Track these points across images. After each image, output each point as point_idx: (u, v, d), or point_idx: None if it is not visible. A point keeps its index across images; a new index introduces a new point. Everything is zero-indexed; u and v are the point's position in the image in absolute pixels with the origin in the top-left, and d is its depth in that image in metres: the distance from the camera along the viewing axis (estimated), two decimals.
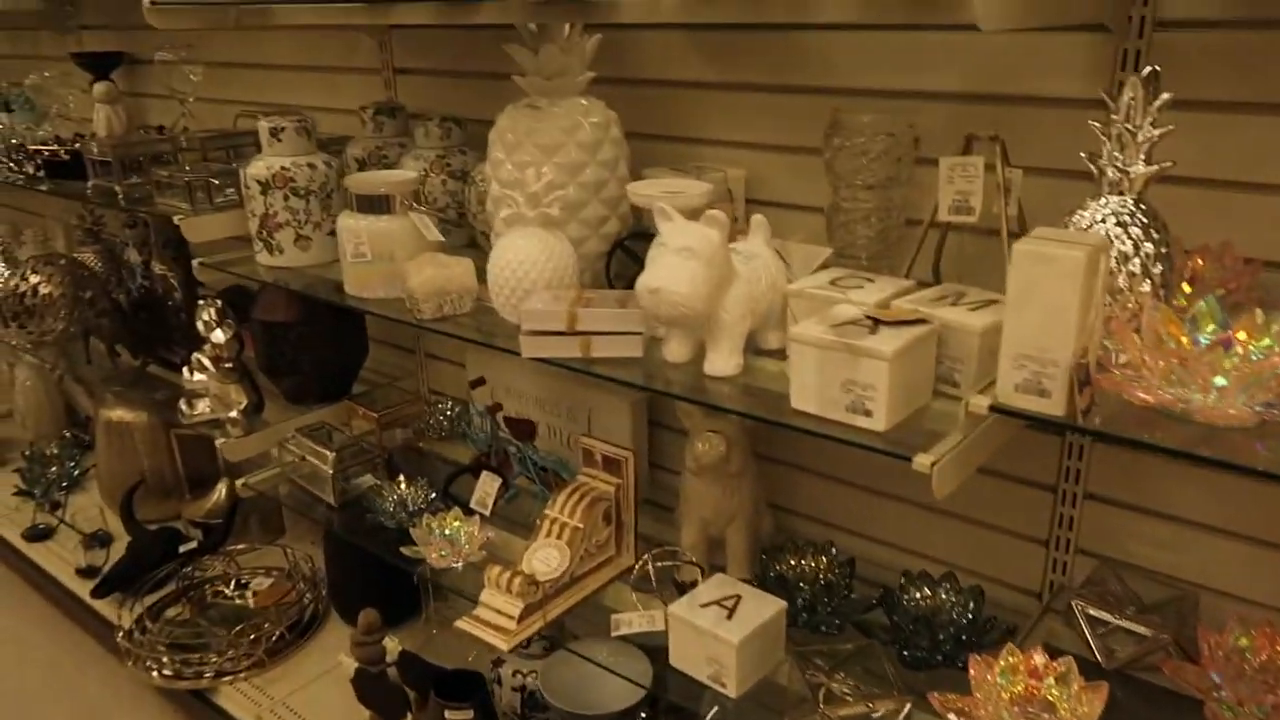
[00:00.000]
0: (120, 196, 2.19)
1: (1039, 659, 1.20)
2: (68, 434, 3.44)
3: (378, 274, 1.66)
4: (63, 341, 2.63)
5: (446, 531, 1.78)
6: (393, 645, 2.14)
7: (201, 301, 2.20)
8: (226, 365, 2.09)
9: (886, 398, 1.11)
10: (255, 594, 2.57)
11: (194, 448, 2.94)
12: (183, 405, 2.17)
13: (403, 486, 1.93)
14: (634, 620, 1.55)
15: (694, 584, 1.56)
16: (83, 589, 2.66)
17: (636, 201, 1.46)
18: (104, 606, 2.58)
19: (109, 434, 2.89)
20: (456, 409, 2.21)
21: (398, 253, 1.65)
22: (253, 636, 2.32)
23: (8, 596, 2.97)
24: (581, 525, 1.62)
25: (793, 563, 1.60)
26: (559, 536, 1.63)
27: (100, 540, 2.82)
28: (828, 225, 1.49)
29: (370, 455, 1.99)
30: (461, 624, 1.57)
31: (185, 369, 2.30)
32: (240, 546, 2.70)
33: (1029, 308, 0.99)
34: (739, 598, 1.45)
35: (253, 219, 1.87)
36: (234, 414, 2.07)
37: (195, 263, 1.96)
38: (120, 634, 2.40)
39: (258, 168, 1.83)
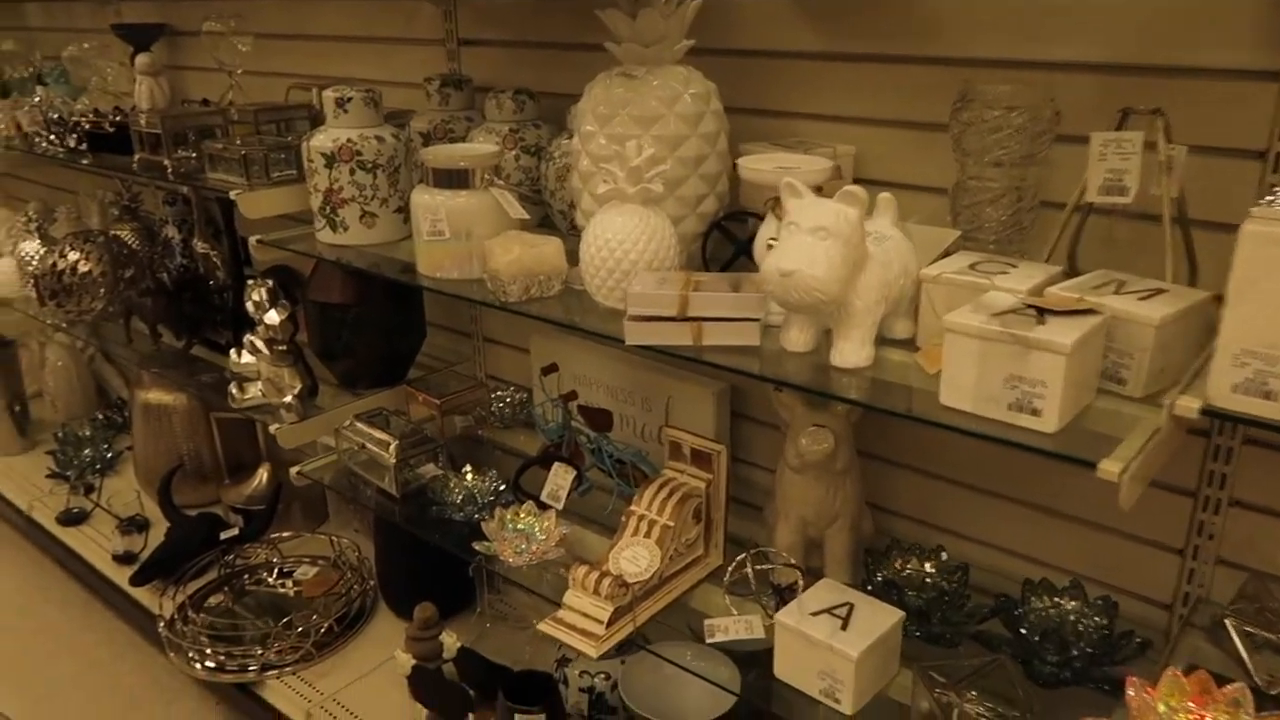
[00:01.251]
0: (169, 171, 2.06)
1: (1202, 682, 1.08)
2: (100, 415, 3.33)
3: (455, 253, 1.53)
4: (101, 321, 2.50)
5: (520, 526, 1.66)
6: (450, 641, 2.02)
7: (251, 281, 2.07)
8: (280, 348, 1.96)
9: (1059, 395, 0.98)
10: (300, 583, 2.46)
11: (234, 431, 2.82)
12: (233, 390, 2.04)
13: (470, 477, 1.81)
14: (730, 627, 1.43)
15: (792, 588, 1.44)
16: (120, 576, 2.54)
17: (749, 177, 1.32)
18: (143, 594, 2.46)
19: (146, 417, 2.77)
20: (519, 396, 2.09)
21: (476, 230, 1.52)
22: (300, 629, 2.20)
23: (42, 582, 2.85)
24: (672, 523, 1.50)
25: (899, 567, 1.48)
26: (647, 535, 1.50)
27: (137, 525, 2.70)
28: (951, 206, 1.36)
29: (433, 444, 1.87)
30: (545, 627, 1.45)
31: (234, 351, 2.17)
32: (285, 535, 2.58)
33: (1255, 297, 0.86)
34: (851, 605, 1.33)
35: (315, 194, 1.74)
36: (288, 399, 1.94)
37: (253, 240, 1.82)
38: (161, 624, 2.28)
39: (322, 140, 1.70)
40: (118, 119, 2.33)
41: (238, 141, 1.96)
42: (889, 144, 1.49)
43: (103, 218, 2.98)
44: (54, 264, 2.39)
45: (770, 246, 1.25)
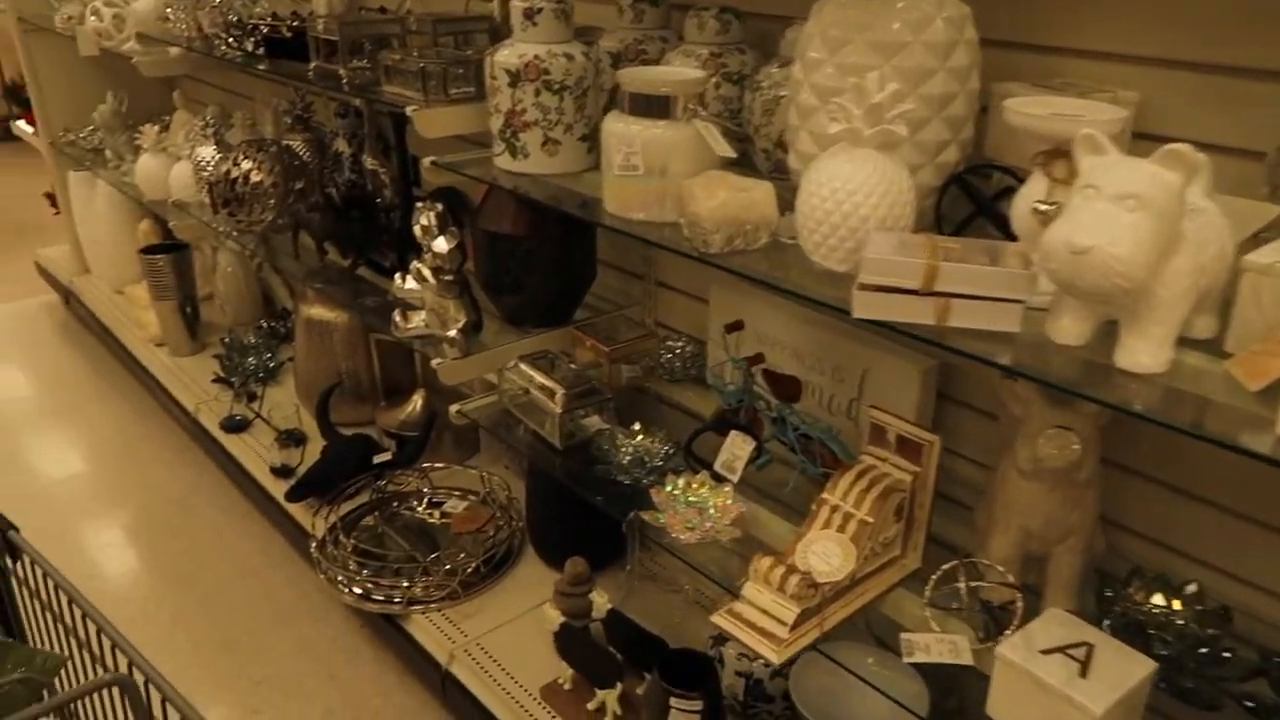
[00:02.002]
0: (344, 81, 1.93)
1: None
2: (265, 324, 3.34)
3: (647, 191, 1.34)
4: (269, 233, 2.44)
5: (692, 499, 1.49)
6: (600, 600, 1.89)
7: (420, 204, 1.94)
8: (447, 278, 1.83)
9: None
10: (449, 516, 2.38)
11: (392, 354, 2.76)
12: (397, 317, 1.93)
13: (639, 437, 1.64)
14: (932, 646, 1.22)
15: (1008, 610, 1.22)
16: (276, 489, 2.52)
17: (1019, 123, 1.08)
18: (297, 510, 2.44)
19: (309, 332, 2.73)
20: (690, 349, 1.90)
21: (673, 167, 1.32)
22: (448, 566, 2.12)
23: (206, 484, 2.89)
24: (870, 519, 1.29)
25: (1139, 600, 1.23)
26: (841, 529, 1.31)
27: (294, 439, 2.68)
28: (1269, 176, 1.08)
29: (600, 396, 1.71)
30: (721, 620, 1.28)
31: (398, 276, 2.06)
32: (436, 465, 2.50)
33: None
34: (1090, 647, 1.10)
35: (495, 115, 1.58)
36: (452, 333, 1.82)
37: (426, 161, 1.68)
38: (313, 544, 2.24)
39: (507, 56, 1.52)
40: (295, 24, 2.22)
41: (415, 54, 1.81)
42: (1185, 91, 1.21)
43: (275, 127, 2.93)
44: (228, 171, 2.33)
45: (1039, 211, 1.02)
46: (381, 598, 2.10)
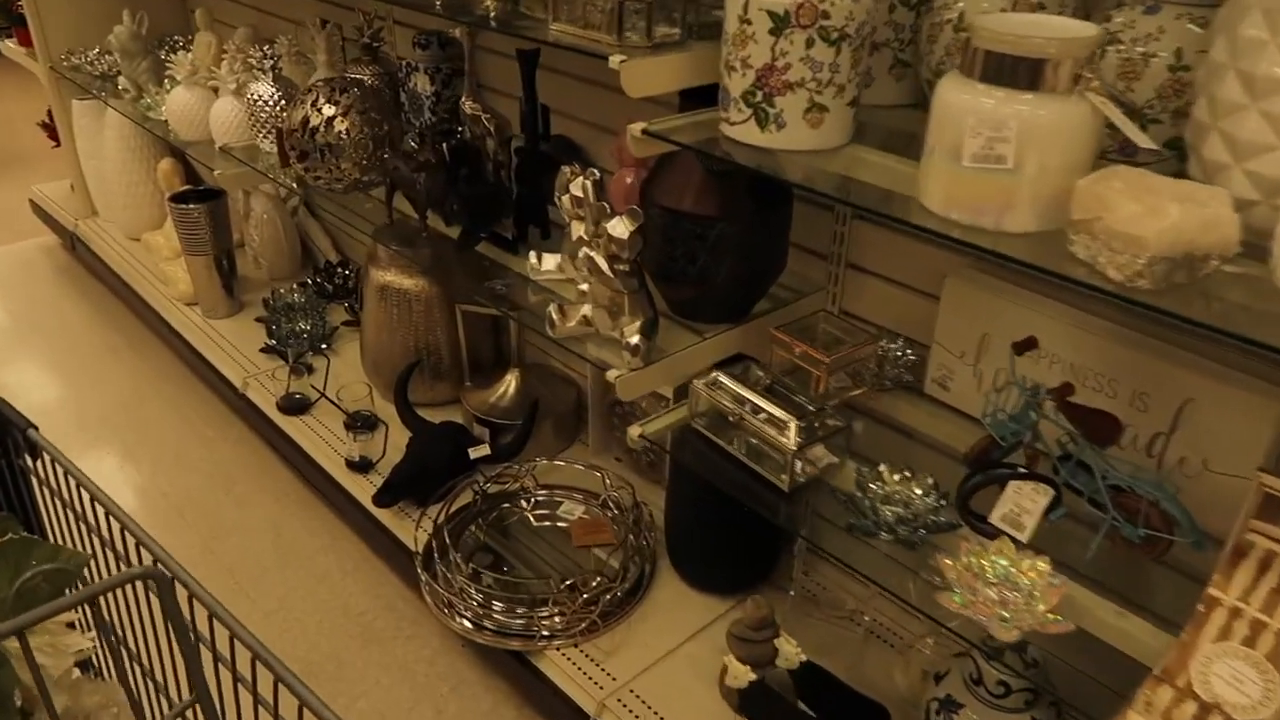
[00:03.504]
0: (491, 15, 1.51)
1: None
2: (310, 281, 2.92)
3: (1005, 190, 0.97)
4: (349, 191, 2.02)
5: (996, 572, 1.15)
6: (791, 650, 1.57)
7: (569, 168, 1.56)
8: (623, 268, 1.45)
9: None
10: (566, 522, 2.04)
11: (478, 327, 2.37)
12: (553, 313, 1.55)
13: (894, 479, 1.30)
14: None
15: None
16: (355, 485, 2.16)
17: None
18: (386, 516, 2.08)
19: (383, 300, 2.33)
20: (909, 353, 1.55)
21: (1051, 161, 0.95)
22: (585, 595, 1.78)
23: (256, 468, 2.50)
24: None
25: None
26: (1249, 642, 0.98)
27: (367, 423, 2.30)
28: None
29: (841, 428, 1.36)
30: None
31: (533, 255, 1.68)
32: (543, 461, 2.14)
33: None
34: None
35: (736, 72, 1.18)
36: (633, 339, 1.45)
37: (637, 129, 1.28)
38: (418, 562, 1.89)
39: None
40: None
41: None
42: None
43: (331, 56, 2.47)
44: (305, 118, 1.90)
45: None
46: (495, 626, 1.76)
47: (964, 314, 1.45)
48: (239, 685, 0.83)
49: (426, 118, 2.25)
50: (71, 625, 0.91)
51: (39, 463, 1.08)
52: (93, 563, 0.97)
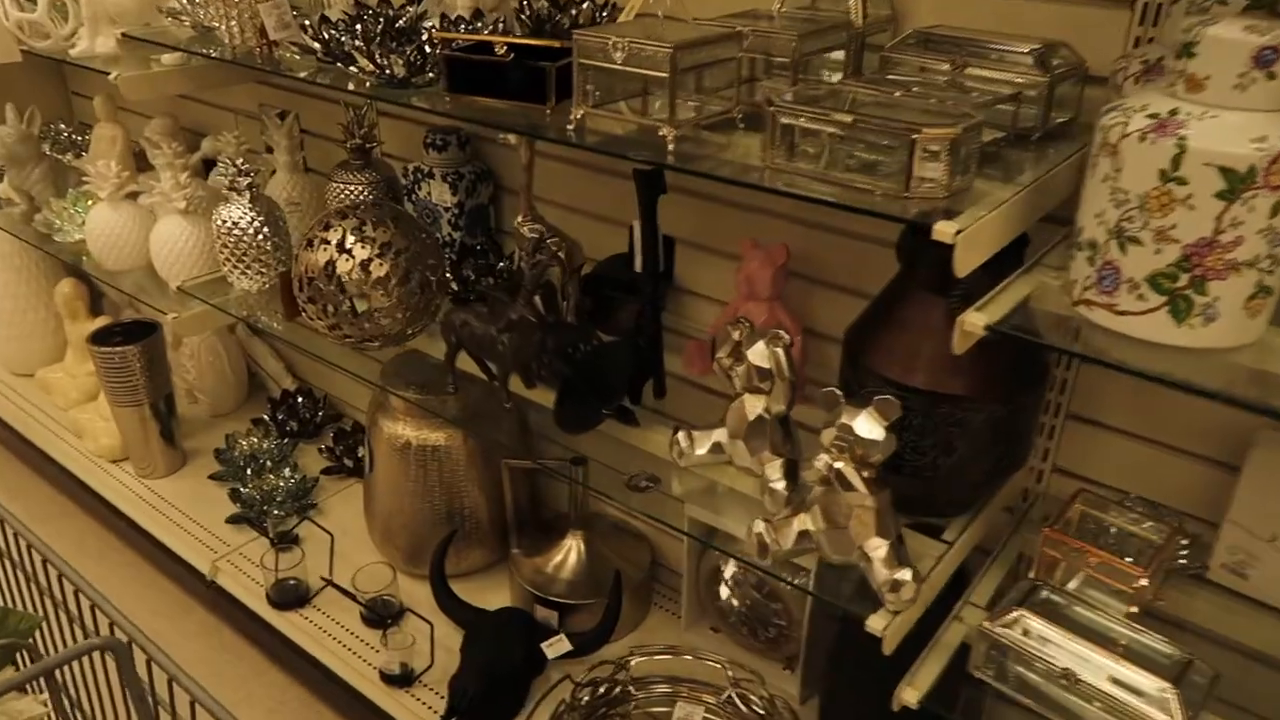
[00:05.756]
0: (670, 149, 1.07)
1: None
2: (266, 418, 2.37)
3: None
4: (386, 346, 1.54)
5: None
6: None
7: (739, 324, 1.17)
8: (867, 474, 1.05)
9: None
10: None
11: (522, 482, 1.92)
12: (763, 533, 1.13)
13: None
14: None
15: None
16: (403, 709, 1.66)
17: None
18: None
19: (405, 460, 1.84)
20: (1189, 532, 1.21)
21: None
22: None
23: (257, 689, 1.93)
24: None
25: None
26: None
27: (390, 612, 1.82)
28: None
29: (1210, 679, 1.00)
30: None
31: (681, 435, 1.26)
32: (639, 656, 1.70)
33: None
34: None
35: (1144, 246, 0.80)
36: (904, 574, 1.05)
37: (976, 323, 0.89)
38: None
39: (1219, 138, 0.75)
40: (522, 38, 1.28)
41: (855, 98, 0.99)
42: None
43: (292, 159, 1.96)
44: (329, 264, 1.41)
45: None
46: None
47: (1276, 490, 1.13)
48: None
49: (445, 235, 1.79)
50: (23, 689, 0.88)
51: None
52: (45, 625, 0.99)
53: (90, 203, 2.00)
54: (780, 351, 1.16)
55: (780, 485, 1.17)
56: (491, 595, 1.88)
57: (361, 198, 1.73)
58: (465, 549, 1.92)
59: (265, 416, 2.37)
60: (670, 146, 1.02)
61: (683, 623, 1.82)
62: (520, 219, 1.56)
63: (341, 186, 1.76)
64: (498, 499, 1.89)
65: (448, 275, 1.58)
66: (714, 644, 1.78)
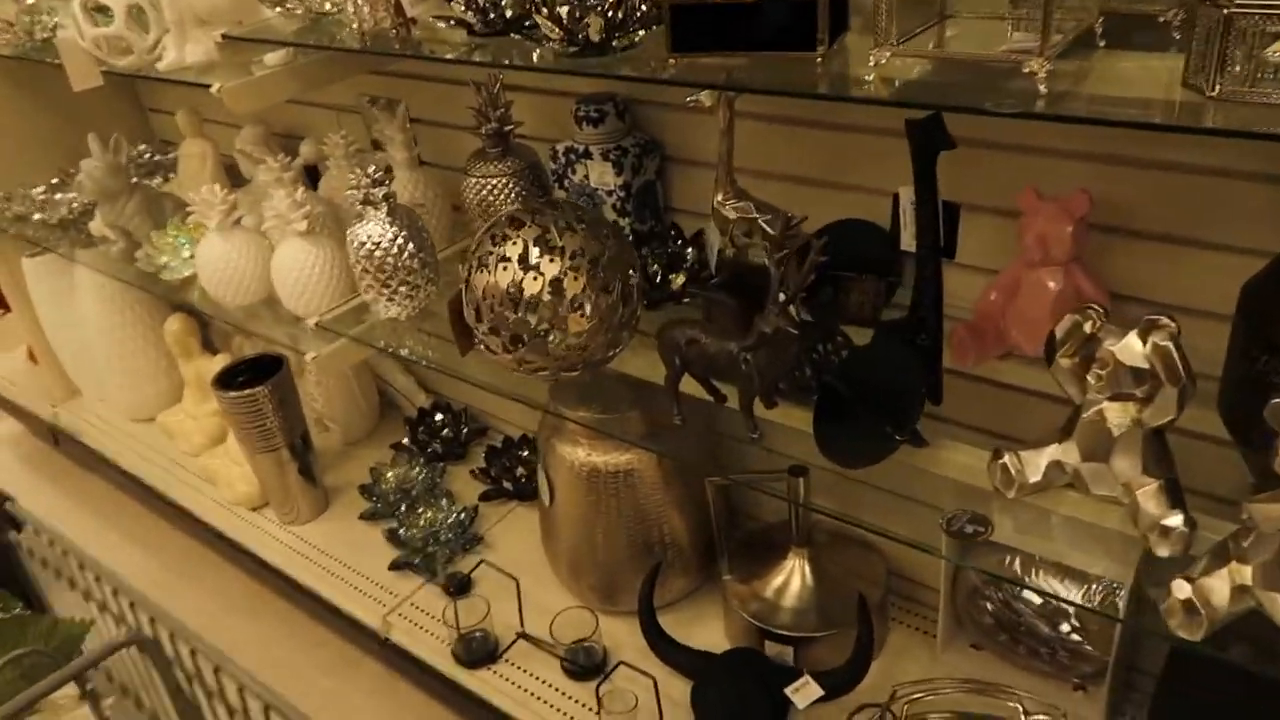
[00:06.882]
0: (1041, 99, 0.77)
1: None
2: (406, 443, 2.14)
3: None
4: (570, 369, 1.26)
5: None
6: None
7: (1082, 316, 0.86)
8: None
9: None
10: None
11: (721, 498, 1.64)
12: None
13: None
14: None
15: None
16: None
17: None
18: None
19: (591, 488, 1.58)
20: None
21: None
22: None
23: None
24: None
25: None
26: None
27: (593, 663, 1.58)
28: None
29: None
30: None
31: (1011, 459, 0.96)
32: (904, 697, 1.43)
33: None
34: None
35: None
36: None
37: None
38: None
39: None
40: None
41: None
42: None
43: (409, 155, 1.69)
44: (516, 285, 1.13)
45: None
46: None
47: None
48: None
49: (620, 221, 1.51)
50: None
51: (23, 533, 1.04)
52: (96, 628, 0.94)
53: (196, 233, 1.75)
54: (1169, 346, 0.85)
55: (1176, 521, 0.87)
56: (699, 629, 1.63)
57: (508, 191, 1.45)
58: (666, 579, 1.66)
59: (404, 440, 2.13)
60: (1042, 89, 0.71)
61: (939, 643, 1.54)
62: (720, 197, 1.27)
63: (481, 181, 1.48)
64: (697, 519, 1.63)
65: (643, 278, 1.30)
66: (977, 664, 1.50)
